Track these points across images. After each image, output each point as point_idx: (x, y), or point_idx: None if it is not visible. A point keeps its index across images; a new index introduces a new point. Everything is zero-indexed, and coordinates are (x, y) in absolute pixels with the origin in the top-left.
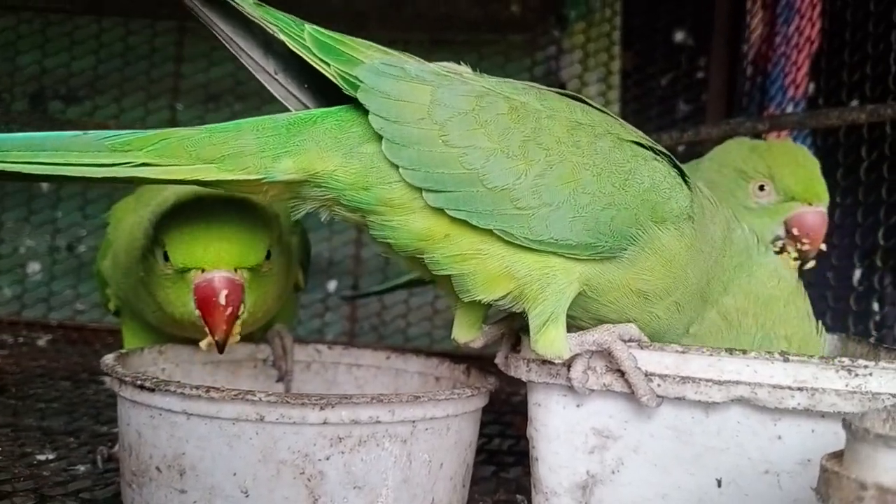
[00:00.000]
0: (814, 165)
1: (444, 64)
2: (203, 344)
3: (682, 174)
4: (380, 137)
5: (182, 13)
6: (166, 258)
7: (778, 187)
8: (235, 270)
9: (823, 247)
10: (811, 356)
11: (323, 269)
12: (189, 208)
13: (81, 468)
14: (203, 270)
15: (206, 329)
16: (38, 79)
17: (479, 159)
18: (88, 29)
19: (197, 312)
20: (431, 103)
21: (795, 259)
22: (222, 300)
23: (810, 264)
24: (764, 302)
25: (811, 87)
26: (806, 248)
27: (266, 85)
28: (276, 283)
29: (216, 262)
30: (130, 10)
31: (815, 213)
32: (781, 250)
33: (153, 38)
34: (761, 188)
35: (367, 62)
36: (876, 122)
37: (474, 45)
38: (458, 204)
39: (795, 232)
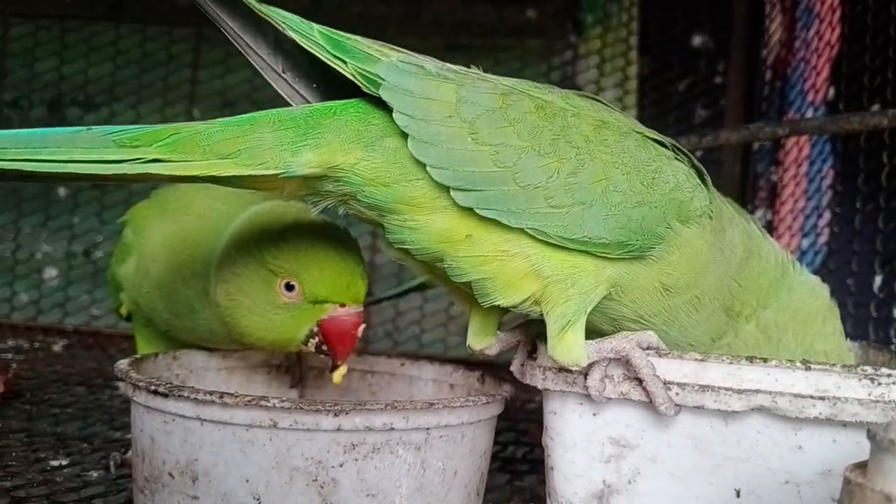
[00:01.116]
0: None
1: (456, 67)
2: (337, 376)
3: (700, 173)
4: (403, 133)
5: (199, 19)
6: (289, 288)
7: None
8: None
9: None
10: (833, 365)
11: None
12: (304, 237)
13: (94, 474)
14: (343, 305)
15: (332, 355)
16: (57, 85)
17: (510, 157)
18: (106, 36)
19: (314, 340)
20: (458, 101)
21: None
22: (359, 333)
23: None
24: (803, 318)
25: (831, 91)
26: None
27: (273, 84)
28: None
29: (356, 298)
30: (148, 16)
31: None
32: None
33: (170, 45)
34: None
35: (384, 60)
36: None
37: (490, 50)
38: (488, 203)
39: None
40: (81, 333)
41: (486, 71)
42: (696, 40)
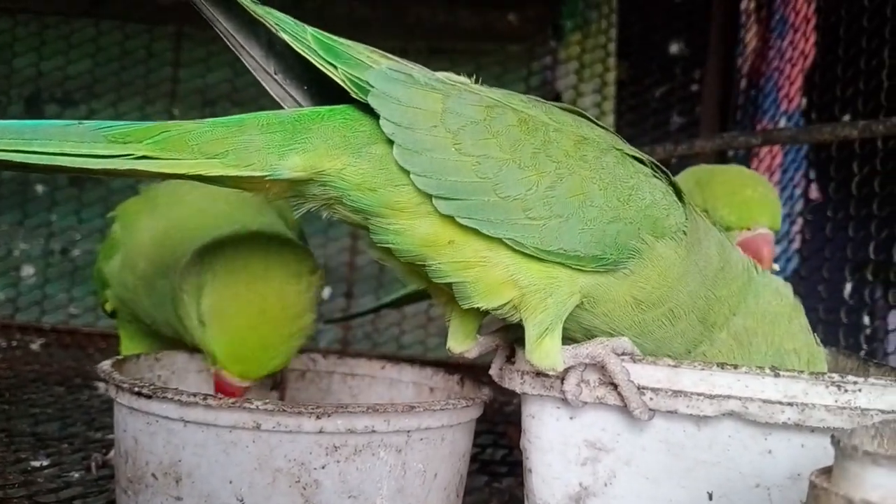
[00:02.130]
0: (749, 189)
1: (446, 74)
2: None
3: (677, 190)
4: (389, 140)
5: (180, 18)
6: (202, 323)
7: (715, 219)
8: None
9: (776, 266)
10: (801, 371)
11: None
12: (233, 294)
13: (75, 475)
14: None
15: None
16: (35, 81)
17: (492, 168)
18: (86, 32)
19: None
20: (444, 111)
21: None
22: (238, 395)
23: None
24: (770, 320)
25: (804, 101)
26: None
27: (264, 84)
28: None
29: (244, 376)
30: (128, 14)
31: (755, 237)
32: None
33: (151, 43)
34: None
35: (374, 67)
36: (868, 138)
37: (472, 54)
38: (469, 212)
39: None
40: (59, 332)
41: (468, 75)
42: (674, 48)
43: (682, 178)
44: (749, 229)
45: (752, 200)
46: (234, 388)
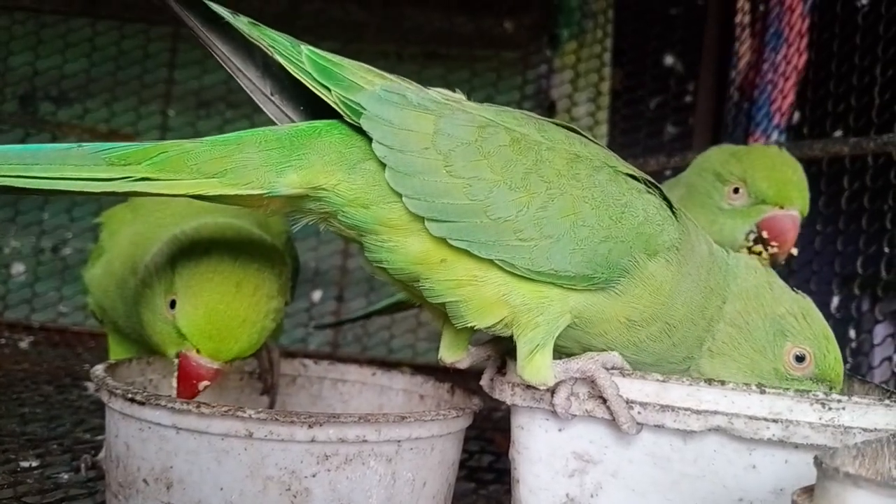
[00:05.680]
0: (790, 170)
1: (440, 90)
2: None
3: (670, 205)
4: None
5: (177, 19)
6: (172, 306)
7: (751, 190)
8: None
9: (794, 251)
10: (786, 389)
11: (309, 278)
12: (209, 268)
13: (64, 476)
14: (198, 350)
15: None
16: (30, 80)
17: (482, 190)
18: (82, 31)
19: (175, 361)
20: (435, 133)
21: (765, 261)
22: (200, 388)
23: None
24: (756, 294)
25: (796, 115)
26: (774, 251)
27: (261, 105)
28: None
29: (215, 355)
30: (125, 13)
31: (785, 215)
32: (749, 251)
33: (147, 43)
34: (736, 191)
35: (368, 88)
36: (858, 154)
37: (467, 61)
38: (460, 234)
39: (765, 234)
40: (48, 330)
41: (463, 81)
42: (668, 59)
43: (712, 152)
44: (782, 207)
45: (791, 181)
46: (203, 371)
